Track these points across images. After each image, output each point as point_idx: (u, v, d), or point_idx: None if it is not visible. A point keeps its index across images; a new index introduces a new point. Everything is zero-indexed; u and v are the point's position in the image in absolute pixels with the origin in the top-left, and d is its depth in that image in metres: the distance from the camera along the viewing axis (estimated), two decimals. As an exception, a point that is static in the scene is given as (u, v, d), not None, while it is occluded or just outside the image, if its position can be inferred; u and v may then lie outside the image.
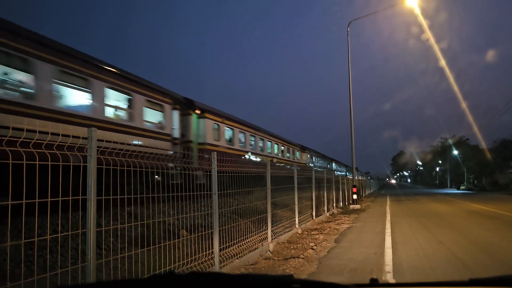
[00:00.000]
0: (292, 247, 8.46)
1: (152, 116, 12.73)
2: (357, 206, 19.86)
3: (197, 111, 15.32)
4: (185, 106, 14.84)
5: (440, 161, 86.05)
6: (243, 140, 19.99)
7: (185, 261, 5.37)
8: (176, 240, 5.41)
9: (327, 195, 16.05)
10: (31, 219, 4.93)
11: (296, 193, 11.01)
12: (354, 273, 6.09)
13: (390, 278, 5.69)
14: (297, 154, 32.76)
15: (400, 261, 6.75)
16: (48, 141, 3.50)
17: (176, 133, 13.99)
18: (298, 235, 10.15)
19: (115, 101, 11.25)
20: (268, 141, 24.46)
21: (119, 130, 10.97)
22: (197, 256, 5.67)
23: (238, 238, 7.07)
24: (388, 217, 14.47)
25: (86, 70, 9.91)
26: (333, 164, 51.70)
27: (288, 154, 29.43)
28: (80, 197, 3.66)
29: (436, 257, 7.08)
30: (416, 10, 21.33)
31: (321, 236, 9.99)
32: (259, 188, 8.57)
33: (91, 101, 10.13)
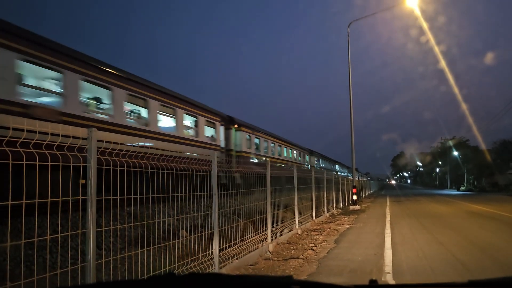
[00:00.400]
0: (292, 247, 8.46)
1: (209, 132, 16.75)
2: (357, 207, 19.85)
3: (235, 126, 19.09)
4: (228, 122, 18.51)
5: (440, 162, 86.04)
6: (265, 146, 24.14)
7: (184, 261, 5.37)
8: (176, 240, 5.41)
9: (327, 196, 16.06)
10: (31, 219, 4.94)
11: (296, 194, 11.01)
12: (354, 274, 6.10)
13: (389, 279, 5.69)
14: (307, 157, 37.46)
15: (400, 262, 6.75)
16: (49, 141, 3.51)
17: (222, 144, 17.76)
18: (298, 235, 10.15)
19: (188, 123, 15.39)
20: (284, 147, 28.95)
21: (190, 144, 14.77)
22: (196, 256, 5.67)
23: (238, 239, 7.08)
24: (388, 218, 14.47)
25: (175, 103, 14.05)
26: (336, 165, 54.57)
27: (299, 158, 33.98)
28: (80, 197, 3.67)
29: (436, 258, 7.08)
30: (416, 11, 21.31)
31: (321, 237, 9.99)
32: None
33: (175, 124, 14.09)
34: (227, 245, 6.56)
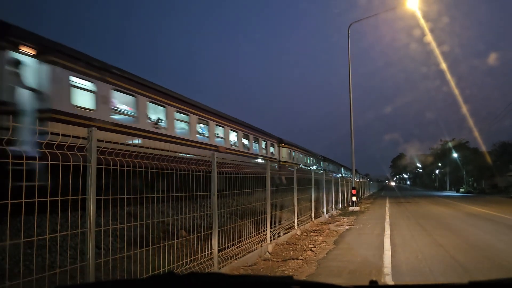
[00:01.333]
0: (291, 248, 8.46)
1: (271, 150, 26.48)
2: (356, 208, 19.86)
3: (282, 144, 28.39)
4: (278, 142, 27.94)
5: (439, 164, 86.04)
6: (297, 157, 32.48)
7: (184, 261, 5.37)
8: (175, 240, 5.41)
9: (326, 197, 16.06)
10: (30, 218, 4.93)
11: (295, 194, 11.02)
12: (353, 275, 6.10)
13: (389, 280, 5.70)
14: (321, 163, 44.80)
15: (399, 264, 6.76)
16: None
17: (277, 157, 27.23)
18: (297, 236, 10.15)
19: (261, 146, 23.97)
20: (308, 156, 37.37)
21: (263, 158, 23.47)
22: (196, 256, 5.67)
23: (238, 239, 7.08)
24: (387, 219, 14.47)
25: (252, 133, 22.50)
26: (342, 169, 59.00)
27: (316, 164, 41.79)
28: (80, 196, 3.67)
29: (435, 259, 7.08)
30: (417, 12, 21.32)
31: (320, 238, 9.99)
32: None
33: (258, 146, 23.48)
34: (226, 245, 6.56)
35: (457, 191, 62.66)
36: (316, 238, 10.00)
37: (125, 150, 4.41)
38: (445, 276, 5.87)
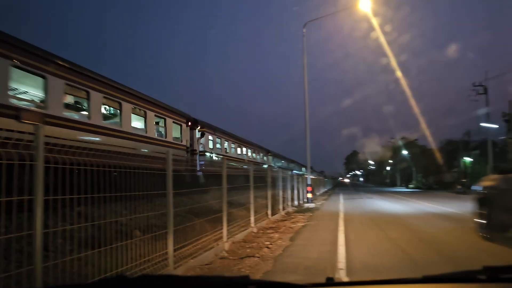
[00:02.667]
0: (248, 246, 8.48)
1: (260, 156, 36.48)
2: (312, 205, 20.22)
3: (270, 153, 40.59)
4: (266, 151, 38.52)
5: (390, 161, 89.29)
6: (275, 160, 43.32)
7: (138, 262, 5.24)
8: (129, 241, 5.27)
9: (282, 194, 16.23)
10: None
11: (252, 192, 11.05)
12: (309, 271, 6.18)
13: (343, 275, 5.82)
14: (292, 165, 54.74)
15: (353, 259, 6.92)
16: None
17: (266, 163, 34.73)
18: (253, 234, 10.19)
19: (254, 154, 34.03)
20: (281, 160, 49.09)
21: (257, 163, 32.46)
22: (151, 257, 5.55)
23: (194, 238, 7.00)
24: (342, 215, 14.83)
25: (250, 146, 32.74)
26: (293, 164, 58.82)
27: (286, 164, 51.02)
28: (26, 197, 3.49)
29: (387, 254, 7.32)
30: (370, 14, 21.94)
31: (277, 235, 10.08)
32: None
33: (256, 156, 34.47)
34: (182, 244, 6.47)
35: (407, 187, 65.32)
36: (273, 235, 10.08)
37: (76, 147, 4.24)
38: (397, 270, 6.08)
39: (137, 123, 14.68)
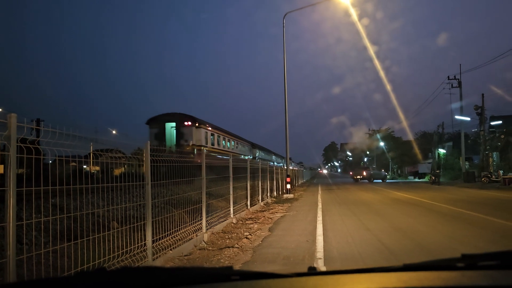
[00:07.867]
0: (227, 236, 8.48)
1: (247, 150, 40.86)
2: (291, 196, 20.35)
3: (254, 147, 43.34)
4: (252, 145, 42.08)
5: (367, 152, 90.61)
6: (261, 154, 47.06)
7: (116, 254, 5.16)
8: (107, 232, 5.18)
9: (261, 185, 16.27)
10: None
11: (231, 183, 11.03)
12: (287, 261, 6.22)
13: (321, 265, 5.89)
14: (273, 157, 55.69)
15: (331, 248, 7.01)
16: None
17: (250, 156, 37.04)
18: (233, 224, 10.19)
19: (241, 147, 38.34)
20: (264, 151, 50.22)
21: (243, 155, 37.02)
22: (129, 248, 5.48)
23: (172, 229, 6.94)
24: (320, 206, 14.99)
25: (248, 144, 41.75)
26: (273, 156, 59.32)
27: (268, 156, 51.75)
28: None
29: (364, 243, 7.44)
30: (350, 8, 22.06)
31: (256, 225, 10.11)
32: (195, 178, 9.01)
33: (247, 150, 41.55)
34: (161, 235, 6.41)
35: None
36: (252, 226, 10.11)
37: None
38: (374, 259, 6.17)
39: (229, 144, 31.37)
